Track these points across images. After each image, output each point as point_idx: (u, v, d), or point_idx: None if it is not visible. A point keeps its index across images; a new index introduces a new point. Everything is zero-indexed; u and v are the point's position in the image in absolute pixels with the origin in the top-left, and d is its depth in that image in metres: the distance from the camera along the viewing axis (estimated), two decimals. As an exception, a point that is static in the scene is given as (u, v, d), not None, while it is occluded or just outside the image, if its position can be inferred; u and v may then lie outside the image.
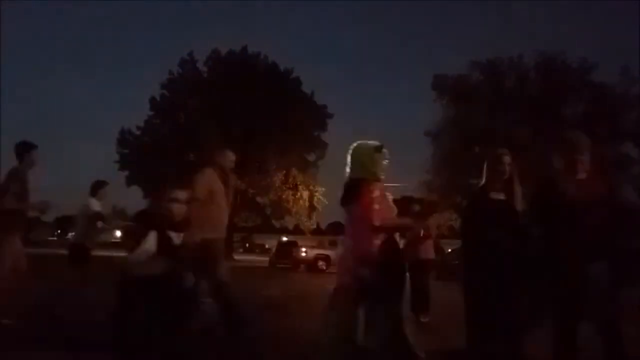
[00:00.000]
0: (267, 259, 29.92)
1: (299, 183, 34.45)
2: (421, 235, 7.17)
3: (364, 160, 3.41)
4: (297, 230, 40.89)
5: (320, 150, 36.08)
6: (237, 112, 32.35)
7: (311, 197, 34.95)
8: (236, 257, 37.33)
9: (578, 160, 3.22)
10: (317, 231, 41.83)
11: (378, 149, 3.45)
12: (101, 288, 5.19)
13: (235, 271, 22.79)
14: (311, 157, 36.22)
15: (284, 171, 33.99)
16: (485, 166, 3.58)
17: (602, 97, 25.83)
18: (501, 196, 3.45)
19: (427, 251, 7.32)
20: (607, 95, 25.75)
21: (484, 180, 3.55)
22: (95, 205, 6.47)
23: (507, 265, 3.19)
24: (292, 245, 27.58)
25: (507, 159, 3.55)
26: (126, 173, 35.74)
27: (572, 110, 27.61)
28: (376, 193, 3.24)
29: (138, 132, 35.78)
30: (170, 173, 31.98)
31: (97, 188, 6.59)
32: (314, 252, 23.86)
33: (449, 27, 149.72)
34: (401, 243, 3.60)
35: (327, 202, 36.60)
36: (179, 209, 4.55)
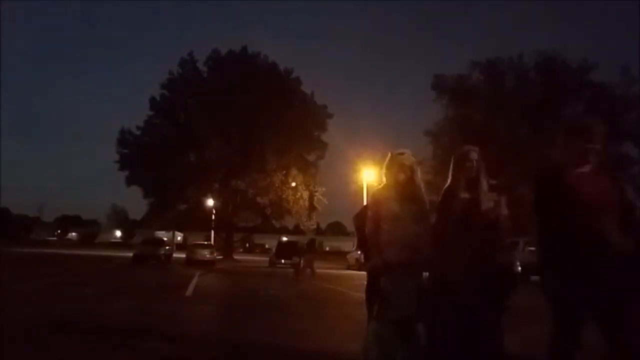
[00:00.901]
0: (267, 258, 29.94)
1: (299, 183, 34.46)
2: None
3: None
4: (297, 230, 40.89)
5: (320, 150, 36.09)
6: (237, 112, 32.36)
7: (311, 197, 34.96)
8: (236, 257, 37.34)
9: (587, 150, 2.74)
10: (317, 231, 41.78)
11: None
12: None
13: (235, 271, 22.74)
14: (311, 157, 36.24)
15: (284, 171, 34.00)
16: (451, 165, 3.51)
17: (602, 97, 25.84)
18: (467, 195, 3.35)
19: None
20: (607, 95, 25.76)
21: (450, 180, 3.47)
22: None
23: (478, 265, 3.16)
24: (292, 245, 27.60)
25: (473, 155, 3.45)
26: (126, 173, 35.77)
27: (572, 110, 27.63)
28: None
29: (138, 132, 35.80)
30: (170, 173, 32.08)
31: None
32: None
33: (449, 27, 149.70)
34: None
35: (327, 202, 36.60)
36: None
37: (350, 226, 74.82)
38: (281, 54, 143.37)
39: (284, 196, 34.28)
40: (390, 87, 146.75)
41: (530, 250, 19.13)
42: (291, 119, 32.66)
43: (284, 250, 27.33)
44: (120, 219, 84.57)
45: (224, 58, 35.81)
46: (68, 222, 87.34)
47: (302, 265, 17.28)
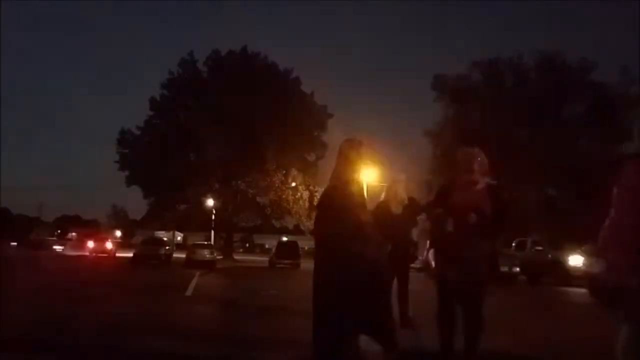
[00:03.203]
0: (267, 258, 29.93)
1: (299, 183, 34.44)
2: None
3: None
4: (297, 230, 40.88)
5: (320, 150, 36.07)
6: (237, 112, 32.36)
7: (311, 197, 34.93)
8: (236, 257, 37.34)
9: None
10: (317, 231, 41.71)
11: None
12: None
13: (235, 271, 22.76)
14: (311, 157, 36.23)
15: (284, 171, 33.98)
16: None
17: (602, 97, 25.86)
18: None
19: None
20: (607, 95, 25.78)
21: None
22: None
23: None
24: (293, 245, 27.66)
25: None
26: (126, 173, 35.76)
27: (572, 110, 27.64)
28: None
29: (138, 132, 35.79)
30: (170, 173, 32.08)
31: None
32: None
33: (449, 27, 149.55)
34: None
35: (327, 202, 36.48)
36: None
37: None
38: (281, 54, 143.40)
39: (284, 196, 34.26)
40: (390, 87, 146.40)
41: (537, 250, 19.03)
42: (291, 119, 32.63)
43: (284, 250, 27.32)
44: (120, 219, 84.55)
45: (224, 58, 35.79)
46: (68, 222, 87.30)
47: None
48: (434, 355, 3.50)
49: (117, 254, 32.49)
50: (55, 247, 42.93)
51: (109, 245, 33.45)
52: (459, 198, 3.50)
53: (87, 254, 30.96)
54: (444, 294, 3.53)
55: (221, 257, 31.41)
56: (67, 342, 4.62)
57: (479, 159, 3.65)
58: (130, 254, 25.75)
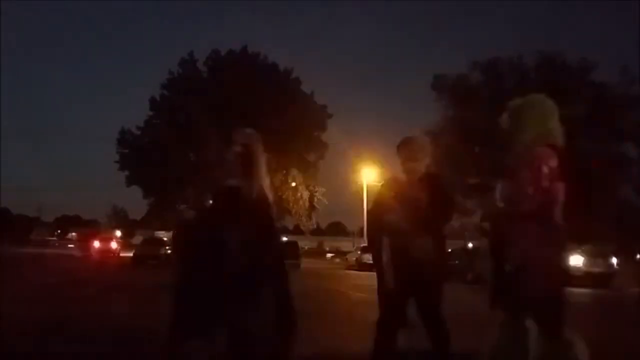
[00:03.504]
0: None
1: (299, 183, 34.44)
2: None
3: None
4: (297, 230, 40.88)
5: (320, 150, 36.09)
6: (237, 112, 32.36)
7: (311, 197, 34.96)
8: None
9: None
10: (317, 231, 41.82)
11: None
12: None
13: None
14: (311, 157, 36.24)
15: (284, 171, 34.00)
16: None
17: (602, 97, 25.85)
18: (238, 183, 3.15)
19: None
20: (607, 95, 25.77)
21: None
22: None
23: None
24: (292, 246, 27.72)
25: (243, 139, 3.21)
26: (126, 173, 35.78)
27: (572, 110, 27.60)
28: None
29: (138, 132, 35.80)
30: (170, 173, 32.10)
31: None
32: None
33: (449, 27, 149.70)
34: None
35: (327, 202, 36.57)
36: None
37: (350, 226, 74.77)
38: (281, 54, 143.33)
39: (284, 196, 34.29)
40: (390, 87, 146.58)
41: None
42: (291, 119, 32.65)
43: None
44: (120, 219, 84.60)
45: (224, 58, 35.81)
46: (68, 222, 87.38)
47: None
48: (431, 355, 3.38)
49: (121, 254, 32.74)
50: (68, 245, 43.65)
51: (114, 245, 33.68)
52: (399, 192, 3.23)
53: (93, 254, 31.15)
54: (387, 299, 3.16)
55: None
56: (66, 341, 4.62)
57: (420, 146, 3.44)
58: (132, 254, 25.80)
